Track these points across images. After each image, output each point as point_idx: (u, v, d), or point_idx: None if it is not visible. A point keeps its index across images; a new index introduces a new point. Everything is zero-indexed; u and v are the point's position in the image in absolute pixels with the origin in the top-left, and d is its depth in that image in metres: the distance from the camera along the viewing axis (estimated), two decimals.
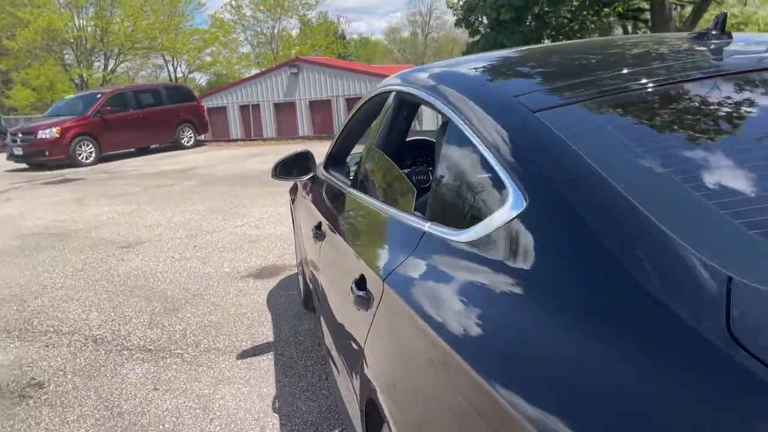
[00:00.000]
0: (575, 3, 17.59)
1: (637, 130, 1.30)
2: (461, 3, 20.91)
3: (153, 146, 18.03)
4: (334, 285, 2.25)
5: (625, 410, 0.78)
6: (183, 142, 17.91)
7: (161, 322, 4.27)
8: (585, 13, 17.68)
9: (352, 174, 2.91)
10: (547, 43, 19.00)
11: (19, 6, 28.62)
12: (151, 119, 16.73)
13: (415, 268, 1.46)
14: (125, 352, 3.82)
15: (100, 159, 15.65)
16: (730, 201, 1.03)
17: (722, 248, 0.92)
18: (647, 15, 18.39)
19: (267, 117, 26.46)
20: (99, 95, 16.31)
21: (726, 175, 1.15)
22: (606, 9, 17.35)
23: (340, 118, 25.48)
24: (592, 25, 18.20)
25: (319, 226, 2.72)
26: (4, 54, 31.09)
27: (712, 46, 1.67)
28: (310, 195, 3.25)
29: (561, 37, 18.48)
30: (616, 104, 1.39)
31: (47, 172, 14.31)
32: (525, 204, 1.19)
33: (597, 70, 1.65)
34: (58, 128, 14.87)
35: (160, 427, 2.92)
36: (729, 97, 1.44)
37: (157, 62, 38.38)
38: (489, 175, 1.36)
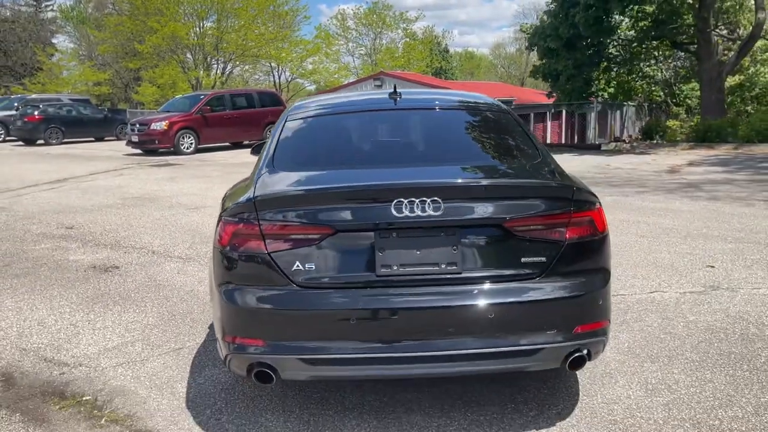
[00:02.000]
0: (630, 34, 18.90)
1: (313, 125, 3.52)
2: (530, 28, 22.64)
3: (246, 142, 21.01)
4: None
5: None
6: None
7: (195, 247, 6.68)
8: (635, 45, 18.97)
9: None
10: (604, 67, 20.34)
11: (151, 15, 33.03)
12: (243, 119, 19.69)
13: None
14: (169, 257, 6.25)
15: (198, 149, 18.73)
16: (312, 148, 3.26)
17: (287, 163, 3.12)
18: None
19: None
20: (202, 96, 19.50)
21: (317, 139, 3.38)
22: (654, 42, 18.57)
23: None
24: (642, 56, 19.48)
25: None
26: (134, 55, 35.78)
27: (386, 98, 3.78)
28: None
29: (614, 65, 19.87)
30: (319, 119, 3.59)
31: (155, 157, 17.50)
32: (269, 145, 3.40)
33: (331, 105, 3.84)
34: (167, 122, 18.06)
35: (176, 285, 5.29)
36: (369, 119, 3.62)
37: (265, 68, 42.43)
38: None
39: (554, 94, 22.21)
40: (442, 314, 2.68)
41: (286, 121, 3.60)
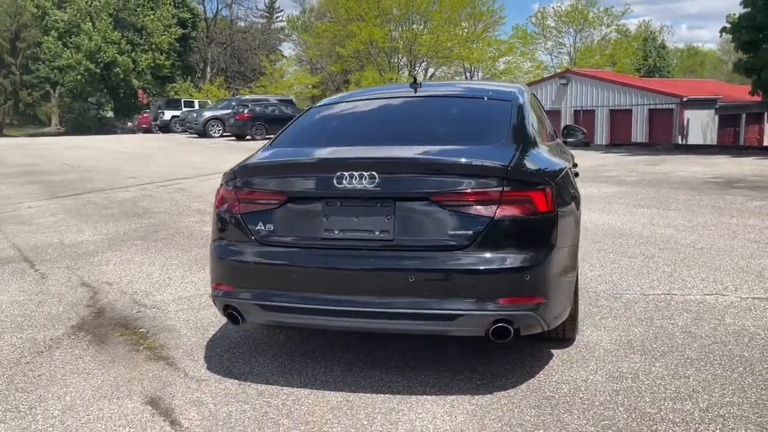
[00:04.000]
0: None
1: (324, 112, 3.99)
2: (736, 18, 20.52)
3: None
4: None
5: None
6: None
7: None
8: None
9: None
10: None
11: (352, 20, 35.54)
12: None
13: None
14: None
15: None
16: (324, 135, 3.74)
17: (282, 142, 3.64)
18: None
19: None
20: None
21: (333, 126, 3.83)
22: None
23: (603, 126, 26.50)
24: None
25: None
26: (337, 59, 38.74)
27: (408, 89, 4.10)
28: None
29: None
30: (331, 107, 4.06)
31: None
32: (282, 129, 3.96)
33: (352, 95, 4.26)
34: None
35: None
36: (386, 105, 4.01)
37: (459, 69, 43.12)
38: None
39: (759, 92, 19.91)
40: (372, 275, 3.01)
41: (308, 110, 4.11)
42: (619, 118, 26.17)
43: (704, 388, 3.11)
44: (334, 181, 3.05)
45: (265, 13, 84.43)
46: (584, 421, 2.83)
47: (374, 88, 5.04)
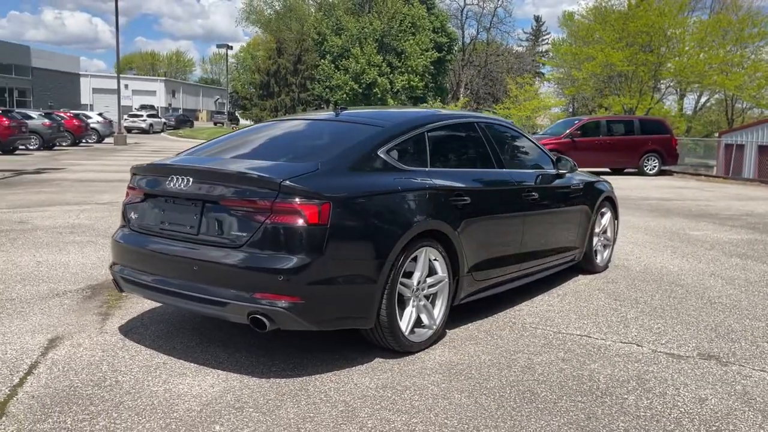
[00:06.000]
0: None
1: (251, 128, 4.72)
2: None
3: (628, 170, 20.62)
4: None
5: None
6: (646, 169, 19.97)
7: None
8: None
9: None
10: None
11: (592, 43, 34.58)
12: (616, 145, 19.50)
13: None
14: None
15: None
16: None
17: (190, 151, 4.46)
18: None
19: None
20: (576, 121, 20.12)
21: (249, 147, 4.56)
22: None
23: None
24: None
25: None
26: (572, 83, 37.92)
27: (330, 114, 4.63)
28: None
29: None
30: (262, 124, 4.76)
31: None
32: None
33: (284, 117, 4.89)
34: None
35: None
36: (286, 127, 4.63)
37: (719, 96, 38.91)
38: None
39: None
40: (179, 263, 3.68)
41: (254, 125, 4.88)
42: None
43: (444, 410, 3.17)
44: (166, 183, 3.78)
45: (531, 36, 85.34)
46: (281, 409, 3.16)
47: (308, 113, 5.65)
